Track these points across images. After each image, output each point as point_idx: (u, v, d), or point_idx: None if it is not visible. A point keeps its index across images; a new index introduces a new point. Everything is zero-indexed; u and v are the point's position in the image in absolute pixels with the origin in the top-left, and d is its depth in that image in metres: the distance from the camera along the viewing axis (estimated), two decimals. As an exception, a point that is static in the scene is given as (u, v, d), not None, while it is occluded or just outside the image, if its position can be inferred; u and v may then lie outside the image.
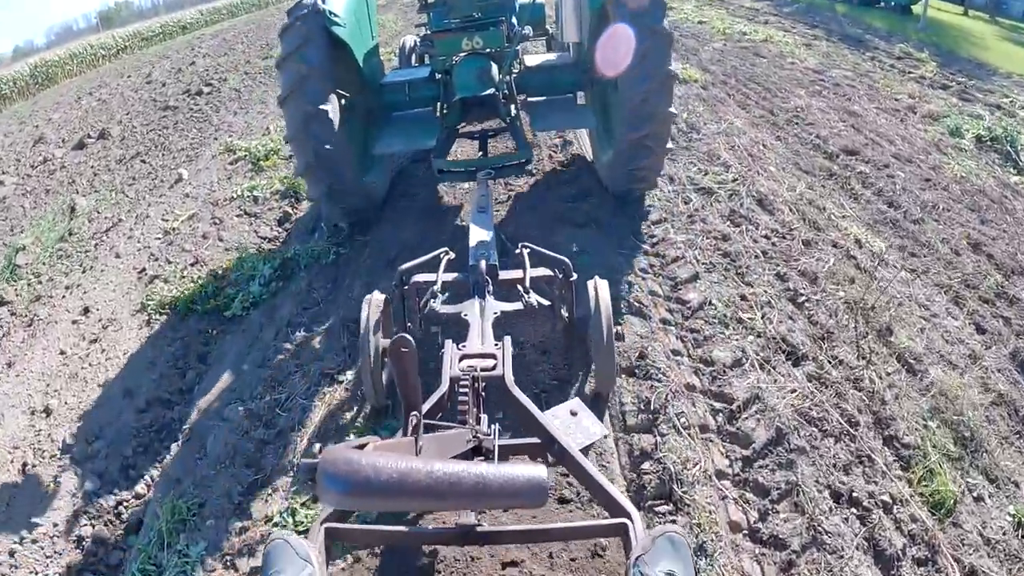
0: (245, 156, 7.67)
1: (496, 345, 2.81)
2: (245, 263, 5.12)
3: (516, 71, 5.49)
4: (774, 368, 3.51)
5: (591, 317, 3.20)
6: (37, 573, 3.26)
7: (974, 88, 9.82)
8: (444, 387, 2.55)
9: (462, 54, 5.03)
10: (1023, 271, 4.95)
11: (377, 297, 3.33)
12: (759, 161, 6.33)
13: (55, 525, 3.54)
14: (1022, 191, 6.46)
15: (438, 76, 5.34)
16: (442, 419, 2.40)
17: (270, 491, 3.14)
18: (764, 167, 6.20)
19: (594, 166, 5.82)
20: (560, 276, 3.37)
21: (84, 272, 5.94)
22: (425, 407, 2.40)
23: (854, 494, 2.95)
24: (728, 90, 8.82)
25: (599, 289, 3.25)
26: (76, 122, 13.02)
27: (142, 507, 3.54)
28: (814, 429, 3.21)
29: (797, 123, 7.63)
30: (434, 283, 3.35)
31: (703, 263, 4.43)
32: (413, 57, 7.09)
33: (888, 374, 3.72)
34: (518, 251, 3.53)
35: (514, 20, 5.16)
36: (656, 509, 2.74)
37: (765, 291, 4.12)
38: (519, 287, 3.31)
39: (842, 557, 2.62)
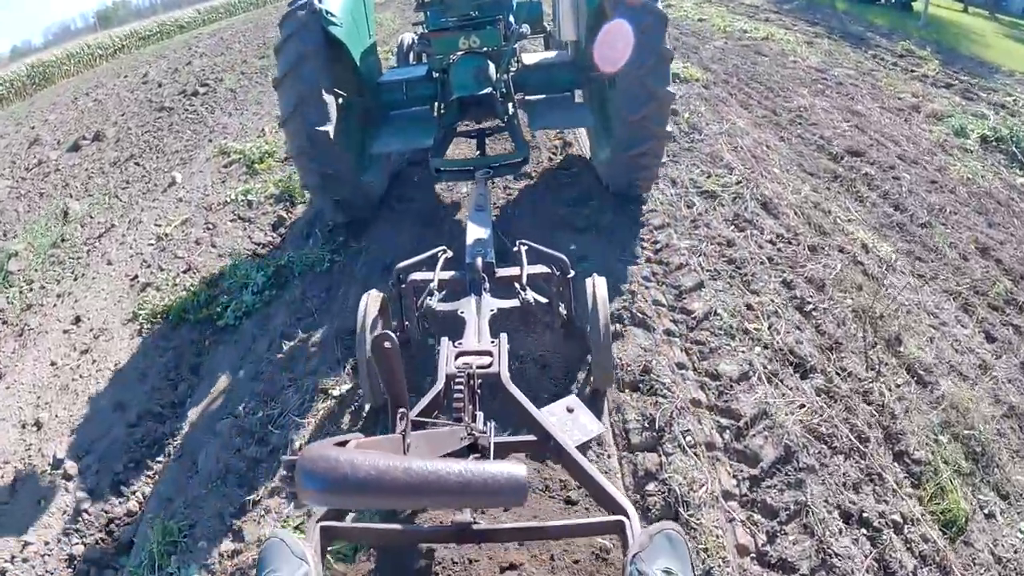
0: (240, 159, 7.55)
1: (492, 342, 2.80)
2: (238, 270, 5.01)
3: (513, 70, 5.46)
4: (782, 382, 3.41)
5: (589, 314, 3.19)
6: (26, 594, 3.18)
7: (977, 87, 9.70)
8: (440, 384, 2.54)
9: (459, 53, 4.99)
10: (1033, 277, 4.86)
11: (374, 295, 3.31)
12: (763, 163, 6.22)
13: (46, 543, 3.46)
14: (1029, 193, 6.36)
15: (435, 75, 5.30)
16: (438, 417, 2.39)
17: (262, 512, 3.05)
18: (768, 169, 6.10)
19: (592, 164, 5.77)
20: (558, 273, 3.37)
21: (76, 280, 5.84)
22: (421, 405, 2.45)
23: (864, 514, 2.86)
24: (730, 89, 8.70)
25: (597, 286, 3.23)
26: (72, 123, 12.92)
27: (134, 525, 3.46)
28: (823, 446, 3.12)
29: (800, 123, 7.52)
30: (431, 281, 3.35)
31: (708, 270, 4.32)
32: (411, 55, 7.03)
33: (897, 386, 3.63)
34: (516, 248, 3.53)
35: (511, 19, 5.11)
36: (662, 533, 2.65)
37: (772, 300, 4.02)
38: (516, 284, 3.30)
39: (853, 582, 2.53)
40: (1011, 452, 3.45)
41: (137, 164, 8.72)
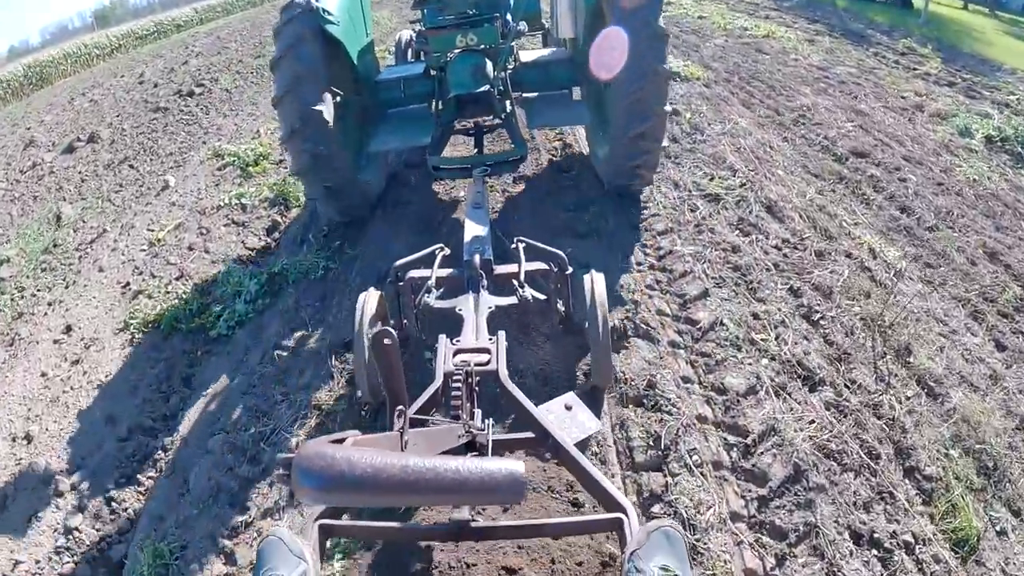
0: (234, 162, 7.43)
1: (490, 340, 2.78)
2: (231, 277, 4.90)
3: (511, 67, 5.44)
4: (790, 395, 3.32)
5: (588, 311, 3.17)
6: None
7: (980, 85, 9.58)
8: (438, 382, 2.53)
9: (457, 51, 4.97)
10: (1043, 282, 4.75)
11: (373, 294, 3.29)
12: (766, 164, 6.12)
13: (37, 562, 3.37)
14: (1037, 195, 6.25)
15: (433, 73, 5.27)
16: (436, 415, 2.38)
17: (255, 534, 2.95)
18: (772, 171, 5.99)
19: (592, 163, 5.73)
20: (556, 270, 3.36)
21: (67, 287, 5.73)
22: (419, 402, 2.43)
23: (875, 535, 2.78)
24: (731, 88, 8.59)
25: (595, 282, 3.21)
26: (68, 124, 12.80)
27: (125, 544, 3.36)
28: (833, 463, 3.03)
29: (804, 123, 7.41)
30: (429, 278, 3.34)
31: (712, 277, 4.22)
32: (410, 52, 6.99)
33: (908, 398, 3.53)
34: (513, 245, 3.52)
35: (509, 16, 5.07)
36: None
37: (778, 308, 3.92)
38: (514, 281, 3.29)
39: (866, 608, 2.44)
40: (1022, 466, 3.36)
41: (131, 167, 8.60)
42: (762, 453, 2.98)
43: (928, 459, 3.19)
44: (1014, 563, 2.87)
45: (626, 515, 2.04)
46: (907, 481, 3.10)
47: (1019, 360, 4.05)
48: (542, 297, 3.31)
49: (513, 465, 1.61)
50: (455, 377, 2.44)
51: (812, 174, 6.10)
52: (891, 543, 2.75)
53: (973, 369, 3.90)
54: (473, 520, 2.22)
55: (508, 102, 5.23)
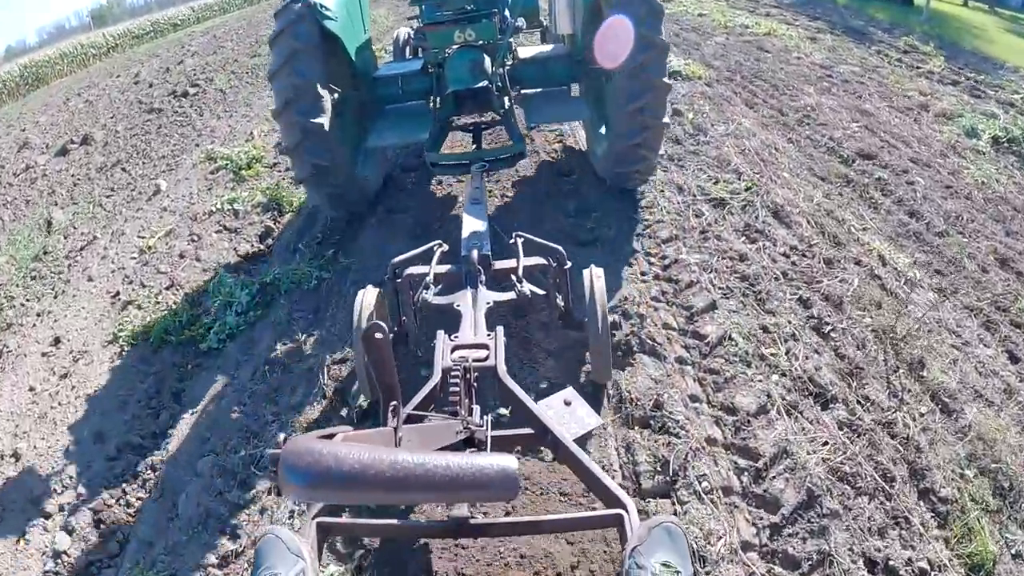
0: (226, 165, 7.28)
1: (489, 335, 2.76)
2: (222, 288, 4.75)
3: (509, 63, 5.40)
4: (801, 414, 3.19)
5: (587, 305, 3.16)
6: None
7: (984, 84, 9.46)
8: (436, 378, 2.50)
9: (455, 47, 4.95)
10: (1056, 290, 4.63)
11: (371, 291, 3.27)
12: (772, 167, 5.98)
13: (26, 588, 3.26)
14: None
15: (431, 69, 5.23)
16: (435, 411, 2.36)
17: (246, 564, 2.83)
18: (777, 173, 5.86)
19: (589, 159, 5.69)
20: (554, 264, 3.35)
21: (56, 297, 5.60)
22: (417, 399, 2.41)
23: (890, 562, 2.66)
24: (734, 87, 8.45)
25: (594, 278, 3.21)
26: (62, 125, 12.68)
27: (114, 569, 3.25)
28: (847, 487, 2.90)
29: (808, 123, 7.28)
30: (427, 275, 3.33)
31: (719, 288, 4.09)
32: (407, 50, 6.95)
33: (921, 415, 3.41)
34: (512, 241, 3.50)
35: (507, 12, 5.00)
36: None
37: (788, 321, 3.79)
38: (513, 276, 3.28)
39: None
40: (1039, 485, 3.25)
41: (123, 170, 8.46)
42: (774, 477, 2.86)
43: (943, 480, 3.08)
44: (1030, 586, 2.77)
45: (626, 511, 2.01)
46: (922, 504, 2.99)
47: (1033, 372, 3.94)
48: (541, 292, 3.30)
49: (506, 461, 1.56)
50: (453, 373, 2.40)
51: (818, 177, 5.98)
52: (906, 571, 2.63)
53: (987, 383, 3.78)
54: (472, 517, 2.19)
55: (506, 98, 5.21)
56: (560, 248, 3.34)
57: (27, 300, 5.72)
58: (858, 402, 3.36)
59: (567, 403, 3.15)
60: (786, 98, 8.09)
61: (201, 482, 3.30)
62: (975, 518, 2.91)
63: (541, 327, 3.78)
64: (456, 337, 2.76)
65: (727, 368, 3.40)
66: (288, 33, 4.33)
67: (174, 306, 4.87)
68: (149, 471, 3.68)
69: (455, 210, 5.41)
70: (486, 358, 2.61)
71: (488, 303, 3.08)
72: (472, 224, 3.72)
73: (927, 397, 3.54)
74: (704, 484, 2.76)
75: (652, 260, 4.41)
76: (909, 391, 3.52)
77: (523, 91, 5.39)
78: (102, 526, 3.51)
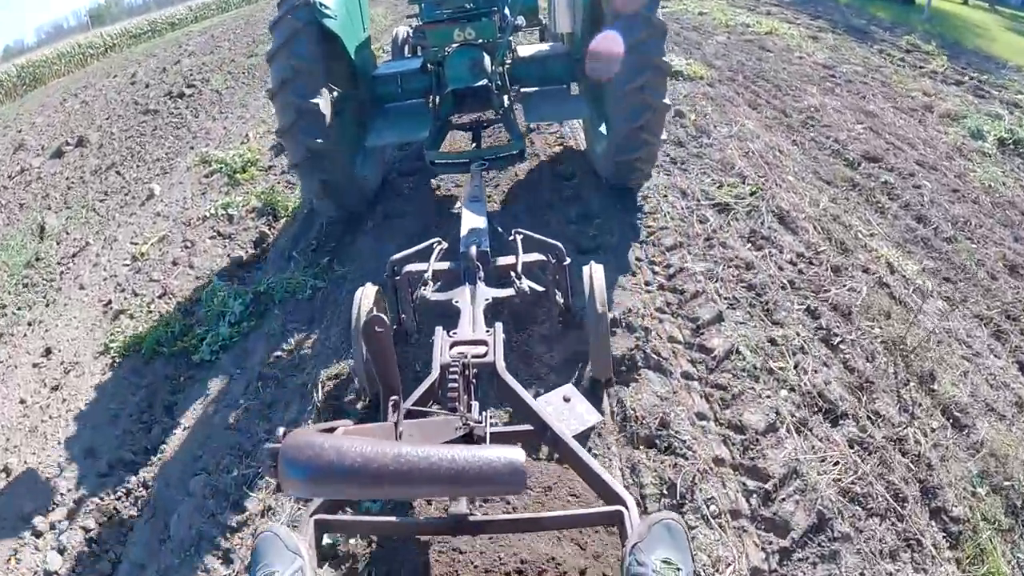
0: (221, 168, 7.17)
1: (487, 331, 2.75)
2: (215, 297, 4.65)
3: (509, 62, 5.39)
4: (811, 431, 3.10)
5: (587, 302, 3.15)
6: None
7: (987, 83, 9.35)
8: (435, 374, 2.49)
9: (454, 45, 4.93)
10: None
11: (369, 288, 3.25)
12: (776, 170, 5.88)
13: (16, 611, 3.18)
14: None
15: (430, 67, 5.21)
16: (433, 407, 2.34)
17: (238, 589, 2.74)
18: (782, 176, 5.76)
19: (589, 157, 5.66)
20: (553, 261, 3.34)
21: (48, 306, 5.49)
22: (415, 395, 2.37)
23: (902, 586, 2.57)
24: (736, 88, 8.34)
25: (594, 274, 3.20)
26: (58, 126, 12.57)
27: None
28: (858, 508, 2.81)
29: (812, 125, 7.18)
30: (426, 271, 3.32)
31: (726, 298, 3.98)
32: (406, 48, 6.94)
33: (933, 430, 3.32)
34: (511, 237, 3.49)
35: (506, 10, 4.99)
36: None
37: (796, 332, 3.69)
38: (512, 273, 3.27)
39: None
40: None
41: (118, 173, 8.35)
42: (784, 500, 2.76)
43: (955, 498, 2.99)
44: (1042, 608, 2.70)
45: (626, 508, 1.99)
46: (934, 524, 2.90)
47: (1045, 384, 3.85)
48: (540, 289, 3.28)
49: (513, 453, 1.53)
50: (451, 369, 2.38)
51: (824, 180, 5.87)
52: (919, 595, 2.56)
53: (998, 395, 3.69)
54: (471, 514, 2.18)
55: (506, 97, 5.20)
56: (559, 244, 3.33)
57: (19, 309, 5.61)
58: (868, 418, 3.27)
59: (566, 399, 3.13)
60: (789, 99, 7.99)
61: (193, 502, 3.20)
62: (987, 538, 2.84)
63: (542, 340, 3.68)
64: (455, 333, 2.75)
65: (735, 383, 3.30)
66: (287, 51, 4.32)
67: (166, 316, 4.77)
68: (141, 488, 3.59)
69: (454, 218, 5.31)
70: (485, 354, 2.59)
71: (487, 299, 3.07)
72: (471, 221, 3.71)
73: (938, 412, 3.44)
74: (712, 508, 2.66)
75: (656, 269, 4.30)
76: (920, 405, 3.43)
77: (522, 89, 5.36)
78: (94, 545, 3.42)
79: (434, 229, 5.15)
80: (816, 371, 3.43)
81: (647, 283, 4.12)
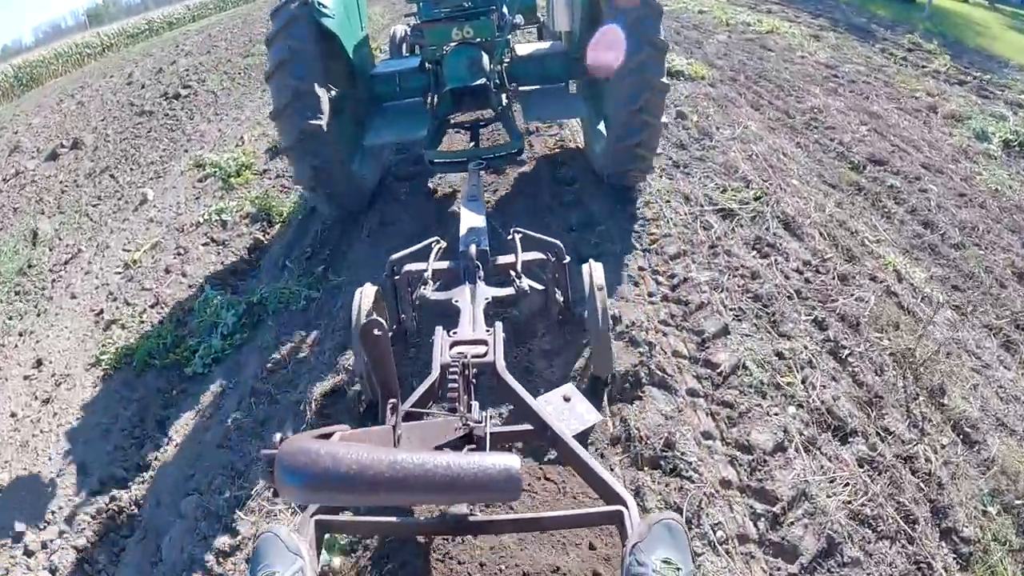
0: (215, 172, 7.06)
1: (487, 331, 2.73)
2: (208, 307, 4.56)
3: (507, 61, 5.36)
4: (820, 450, 3.01)
5: (587, 300, 3.15)
6: None
7: (990, 83, 9.26)
8: (435, 375, 2.48)
9: (452, 44, 4.91)
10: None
11: (368, 289, 3.23)
12: (780, 173, 5.79)
13: (7, 637, 3.10)
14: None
15: (428, 66, 5.19)
16: (433, 407, 2.34)
17: (231, 618, 2.66)
18: (787, 180, 5.66)
19: (587, 156, 5.64)
20: (553, 259, 3.34)
21: (39, 315, 5.39)
22: (415, 395, 2.36)
23: (914, 611, 2.49)
24: (738, 88, 8.24)
25: (594, 272, 3.18)
26: (54, 128, 12.46)
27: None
28: (868, 531, 2.73)
29: (816, 127, 7.08)
30: (425, 271, 3.31)
31: (731, 309, 3.89)
32: (404, 47, 6.88)
33: (943, 447, 3.23)
34: (510, 236, 3.48)
35: (505, 9, 4.96)
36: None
37: (804, 345, 3.60)
38: (512, 272, 3.26)
39: None
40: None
41: (111, 177, 8.24)
42: (792, 523, 2.68)
43: (966, 518, 2.91)
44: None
45: (626, 507, 1.99)
46: (944, 545, 2.82)
47: (1057, 397, 3.76)
48: (540, 287, 3.27)
49: (508, 460, 1.52)
50: (451, 369, 2.36)
51: (829, 184, 5.78)
52: (931, 620, 2.48)
53: (1009, 409, 3.60)
54: (471, 514, 2.19)
55: (504, 95, 5.19)
56: (559, 243, 3.31)
57: (10, 318, 5.51)
58: (878, 434, 3.18)
59: (566, 399, 3.11)
60: (792, 99, 7.89)
61: (185, 524, 3.11)
62: (998, 559, 2.77)
63: (543, 354, 3.59)
64: (455, 333, 2.73)
65: (741, 400, 3.21)
66: (285, 34, 4.27)
67: (159, 326, 4.68)
68: (133, 506, 3.51)
69: (452, 224, 5.22)
70: (485, 354, 2.57)
71: (487, 299, 3.05)
72: (470, 220, 3.68)
73: (948, 427, 3.36)
74: (719, 533, 2.57)
75: (660, 279, 4.20)
76: (930, 420, 3.35)
77: (521, 88, 5.33)
78: (86, 566, 3.35)
79: (431, 234, 5.06)
80: (824, 386, 3.34)
81: (651, 294, 4.03)
